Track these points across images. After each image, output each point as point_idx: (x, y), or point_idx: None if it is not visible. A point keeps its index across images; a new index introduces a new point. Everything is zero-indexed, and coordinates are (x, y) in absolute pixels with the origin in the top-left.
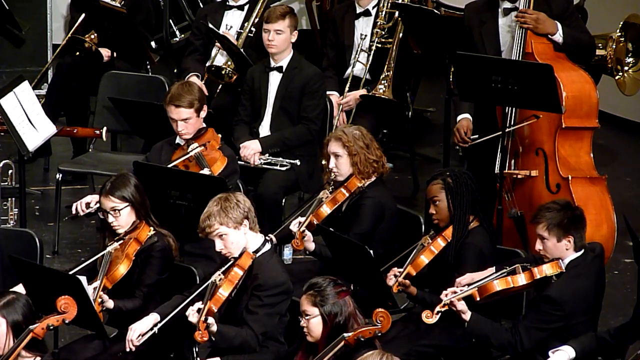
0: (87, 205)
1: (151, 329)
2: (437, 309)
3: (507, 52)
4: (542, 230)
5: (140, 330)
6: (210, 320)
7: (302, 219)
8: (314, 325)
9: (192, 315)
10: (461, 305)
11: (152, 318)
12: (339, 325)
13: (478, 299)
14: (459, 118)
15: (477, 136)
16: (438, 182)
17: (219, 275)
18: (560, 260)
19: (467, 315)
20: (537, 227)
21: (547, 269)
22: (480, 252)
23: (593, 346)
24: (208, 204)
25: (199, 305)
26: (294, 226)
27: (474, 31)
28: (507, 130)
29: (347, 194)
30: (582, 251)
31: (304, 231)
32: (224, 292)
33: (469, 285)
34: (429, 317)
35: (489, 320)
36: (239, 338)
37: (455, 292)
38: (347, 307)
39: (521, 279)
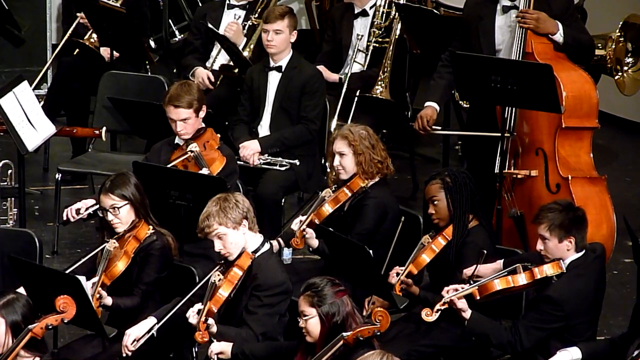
0: (77, 211)
1: (148, 332)
2: (437, 307)
3: (506, 51)
4: (543, 231)
5: (135, 335)
6: (211, 321)
7: (303, 218)
8: (312, 325)
9: (192, 316)
10: (461, 304)
11: (149, 322)
12: (337, 325)
13: (478, 297)
14: (425, 104)
15: (439, 128)
16: (437, 182)
17: (219, 275)
18: (561, 261)
19: (467, 314)
20: (539, 228)
21: (548, 269)
22: (481, 251)
23: (606, 349)
24: (207, 205)
25: (199, 306)
26: (295, 225)
27: (471, 26)
28: (467, 133)
29: (350, 194)
30: (583, 252)
31: (304, 230)
32: (223, 293)
33: (473, 279)
34: (429, 315)
35: (488, 319)
36: (239, 338)
37: (456, 290)
38: (345, 307)
39: (522, 279)
